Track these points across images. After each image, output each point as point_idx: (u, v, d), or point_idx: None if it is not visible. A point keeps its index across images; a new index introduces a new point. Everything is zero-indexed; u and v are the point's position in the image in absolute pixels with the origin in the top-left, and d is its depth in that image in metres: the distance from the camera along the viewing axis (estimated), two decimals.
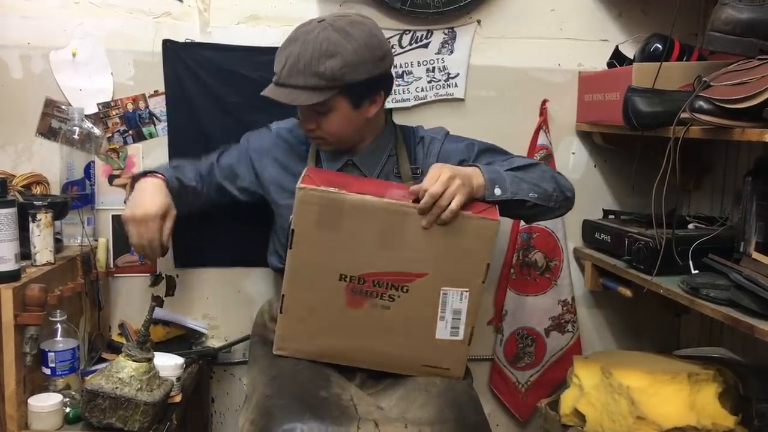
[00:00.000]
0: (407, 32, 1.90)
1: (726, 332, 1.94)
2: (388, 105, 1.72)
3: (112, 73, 1.85)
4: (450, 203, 1.33)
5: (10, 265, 1.41)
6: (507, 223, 1.97)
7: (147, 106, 1.87)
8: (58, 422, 1.44)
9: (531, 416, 2.05)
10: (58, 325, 1.51)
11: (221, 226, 1.87)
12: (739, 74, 1.37)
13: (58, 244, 1.66)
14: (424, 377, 1.44)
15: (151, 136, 1.88)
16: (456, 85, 1.94)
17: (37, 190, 1.78)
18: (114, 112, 1.86)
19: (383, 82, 1.53)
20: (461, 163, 1.55)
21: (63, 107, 1.83)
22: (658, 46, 1.70)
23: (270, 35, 1.87)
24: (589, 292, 2.07)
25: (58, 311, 1.52)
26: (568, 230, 2.00)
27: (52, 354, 1.48)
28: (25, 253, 1.50)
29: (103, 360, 1.69)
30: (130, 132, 1.87)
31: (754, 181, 1.55)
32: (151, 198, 1.51)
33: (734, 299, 1.38)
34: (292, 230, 1.37)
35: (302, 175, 1.41)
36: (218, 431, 2.02)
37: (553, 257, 2.00)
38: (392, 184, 1.51)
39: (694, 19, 1.98)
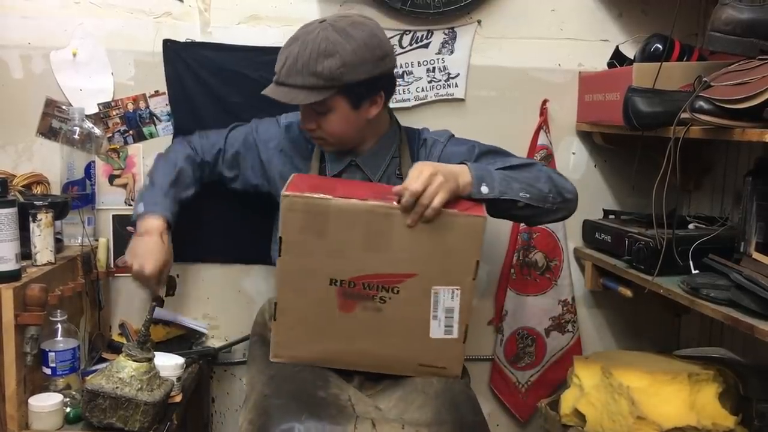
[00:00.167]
0: (407, 32, 1.90)
1: (726, 332, 1.94)
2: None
3: (112, 73, 1.85)
4: (432, 201, 1.32)
5: (10, 265, 1.41)
6: (507, 223, 1.97)
7: (147, 106, 1.87)
8: (58, 422, 1.44)
9: (531, 416, 2.05)
10: (59, 325, 1.51)
11: (221, 222, 1.87)
12: (739, 74, 1.37)
13: (59, 244, 1.66)
14: (422, 378, 1.43)
15: (151, 136, 1.88)
16: (456, 85, 1.94)
17: (38, 190, 1.78)
18: (114, 112, 1.86)
19: (384, 83, 1.53)
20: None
21: (63, 107, 1.83)
22: (659, 46, 1.70)
23: (270, 35, 1.87)
24: (589, 292, 2.07)
25: (59, 311, 1.52)
26: (568, 230, 2.00)
27: (53, 354, 1.48)
28: (25, 253, 1.50)
29: (104, 360, 1.69)
30: (131, 132, 1.88)
31: (754, 181, 1.55)
32: (151, 254, 1.54)
33: (734, 299, 1.38)
34: (280, 238, 1.37)
35: (288, 182, 1.41)
36: (218, 431, 2.02)
37: (554, 257, 2.00)
38: (380, 186, 1.51)
39: (695, 19, 1.98)
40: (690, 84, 1.51)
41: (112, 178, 1.88)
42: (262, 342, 1.62)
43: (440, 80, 1.94)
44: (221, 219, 1.87)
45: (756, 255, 1.45)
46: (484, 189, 1.42)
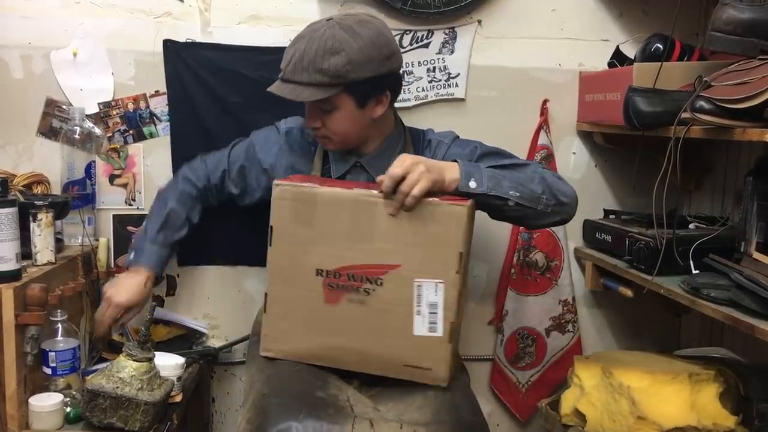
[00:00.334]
0: (408, 32, 1.90)
1: (726, 332, 1.94)
2: None
3: (112, 73, 1.85)
4: (412, 189, 1.32)
5: (10, 265, 1.42)
6: (507, 223, 1.97)
7: (148, 106, 1.87)
8: (58, 422, 1.44)
9: (531, 416, 2.05)
10: (59, 325, 1.51)
11: (222, 225, 1.87)
12: (739, 74, 1.37)
13: (59, 243, 1.66)
14: None
15: (151, 135, 1.88)
16: (456, 85, 1.94)
17: (38, 189, 1.79)
18: (115, 112, 1.86)
19: (390, 82, 1.53)
20: None
21: (64, 107, 1.83)
22: (659, 46, 1.70)
23: (271, 35, 1.87)
24: (589, 292, 2.07)
25: (59, 311, 1.52)
26: (568, 230, 2.00)
27: (53, 354, 1.48)
28: (25, 252, 1.50)
29: (104, 360, 1.69)
30: (131, 132, 1.88)
31: (754, 181, 1.55)
32: (127, 291, 1.59)
33: (735, 299, 1.37)
34: (271, 227, 1.39)
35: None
36: (219, 431, 2.02)
37: (554, 257, 2.00)
38: (375, 185, 1.51)
39: (695, 19, 1.98)
40: (690, 84, 1.51)
41: (112, 178, 1.88)
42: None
43: (440, 80, 1.94)
44: (222, 222, 1.87)
45: (756, 255, 1.45)
46: (473, 183, 1.41)
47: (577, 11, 1.97)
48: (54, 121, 1.84)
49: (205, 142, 1.86)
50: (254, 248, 1.82)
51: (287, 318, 1.43)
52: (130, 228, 1.89)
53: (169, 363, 1.55)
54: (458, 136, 1.66)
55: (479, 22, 1.93)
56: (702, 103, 1.37)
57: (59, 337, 1.51)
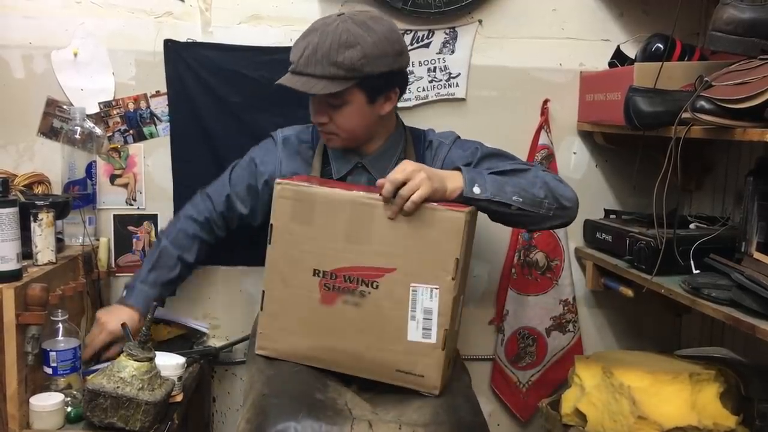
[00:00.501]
0: (408, 32, 1.90)
1: (727, 332, 1.94)
2: None
3: (113, 73, 1.85)
4: (412, 194, 1.32)
5: (11, 265, 1.42)
6: None
7: (148, 106, 1.87)
8: (59, 422, 1.44)
9: (532, 416, 2.05)
10: (60, 325, 1.51)
11: None
12: (740, 74, 1.37)
13: (60, 243, 1.66)
14: None
15: (152, 135, 1.88)
16: (457, 85, 1.94)
17: (39, 189, 1.79)
18: (115, 112, 1.86)
19: (399, 80, 1.54)
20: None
21: (64, 107, 1.83)
22: (660, 45, 1.70)
23: (271, 35, 1.87)
24: (590, 292, 2.07)
25: (60, 311, 1.52)
26: (569, 230, 1.99)
27: (54, 353, 1.48)
28: (26, 252, 1.50)
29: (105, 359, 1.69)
30: (131, 132, 1.88)
31: (755, 181, 1.54)
32: (119, 319, 1.58)
33: (736, 299, 1.37)
34: (271, 225, 1.40)
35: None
36: (219, 430, 2.02)
37: (554, 257, 2.00)
38: (376, 188, 1.51)
39: (696, 19, 1.98)
40: (691, 84, 1.51)
41: (113, 178, 1.88)
42: None
43: (441, 80, 1.94)
44: None
45: (757, 255, 1.45)
46: (476, 189, 1.42)
47: (577, 11, 1.97)
48: (55, 121, 1.84)
49: (206, 142, 1.87)
50: (255, 248, 1.82)
51: (283, 317, 1.43)
52: (130, 228, 1.90)
53: (170, 363, 1.55)
54: (459, 137, 1.66)
55: (480, 21, 1.93)
56: (703, 103, 1.37)
57: (60, 337, 1.51)
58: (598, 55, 1.96)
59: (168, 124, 1.87)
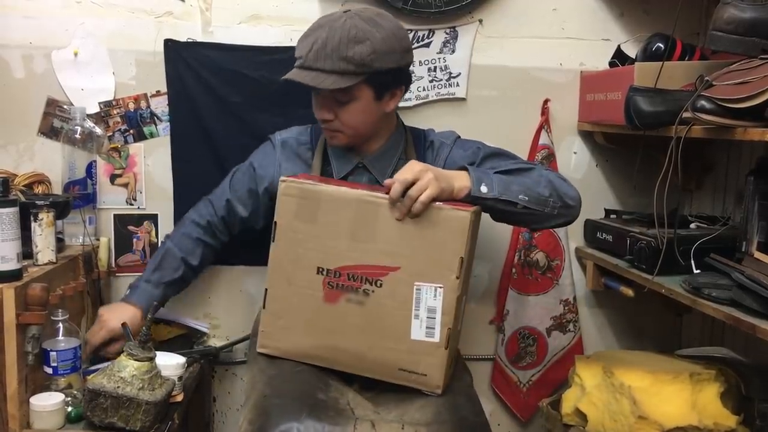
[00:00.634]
0: (409, 32, 1.90)
1: (728, 332, 1.94)
2: None
3: (113, 73, 1.85)
4: (420, 195, 1.33)
5: (11, 265, 1.42)
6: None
7: (149, 106, 1.87)
8: (59, 421, 1.44)
9: (532, 416, 2.05)
10: (60, 325, 1.51)
11: None
12: (741, 74, 1.37)
13: (60, 243, 1.66)
14: None
15: (152, 135, 1.88)
16: (457, 85, 1.94)
17: (39, 189, 1.79)
18: (115, 112, 1.86)
19: (405, 77, 1.55)
20: None
21: (65, 107, 1.83)
22: (660, 45, 1.70)
23: (271, 35, 1.87)
24: (590, 292, 2.07)
25: (60, 310, 1.52)
26: (569, 230, 1.99)
27: (54, 353, 1.48)
28: (26, 252, 1.50)
29: (105, 359, 1.69)
30: (131, 131, 1.88)
31: (756, 180, 1.54)
32: (121, 316, 1.58)
33: (736, 299, 1.37)
34: (275, 222, 1.39)
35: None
36: (220, 430, 2.02)
37: (555, 257, 1.99)
38: (378, 187, 1.51)
39: (696, 19, 1.98)
40: (692, 83, 1.51)
41: (113, 178, 1.88)
42: None
43: (441, 80, 1.94)
44: None
45: (758, 255, 1.45)
46: (484, 188, 1.42)
47: (578, 11, 1.97)
48: (55, 121, 1.84)
49: (206, 142, 1.87)
50: (255, 248, 1.83)
51: (286, 315, 1.43)
52: (131, 228, 1.90)
53: (170, 362, 1.55)
54: (459, 137, 1.66)
55: (480, 21, 1.93)
56: (703, 102, 1.37)
57: (60, 337, 1.51)
58: (598, 55, 1.96)
59: (168, 123, 1.87)
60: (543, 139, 1.96)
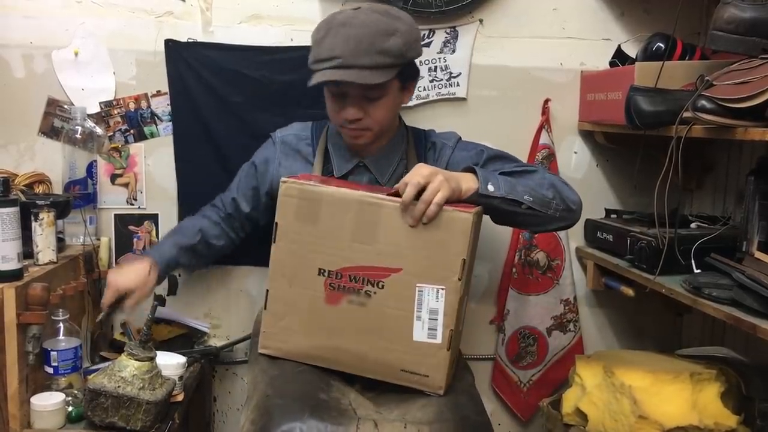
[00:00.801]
0: None
1: (728, 332, 1.94)
2: None
3: (114, 73, 1.85)
4: (434, 197, 1.32)
5: (12, 264, 1.42)
6: None
7: (149, 106, 1.87)
8: (60, 421, 1.45)
9: (533, 415, 2.05)
10: (61, 324, 1.52)
11: None
12: (741, 73, 1.37)
13: (61, 243, 1.66)
14: None
15: (152, 135, 1.88)
16: (458, 85, 1.94)
17: (40, 189, 1.79)
18: (116, 112, 1.86)
19: (417, 69, 1.58)
20: None
21: (65, 106, 1.83)
22: (661, 45, 1.70)
23: (272, 35, 1.87)
24: (591, 292, 2.07)
25: (61, 310, 1.52)
26: (570, 229, 1.99)
27: (55, 353, 1.49)
28: (27, 252, 1.51)
29: (106, 359, 1.70)
30: (132, 131, 1.88)
31: (756, 180, 1.54)
32: (128, 273, 1.56)
33: (737, 299, 1.37)
34: (276, 223, 1.39)
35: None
36: (220, 430, 2.02)
37: (555, 256, 1.99)
38: (379, 188, 1.51)
39: (697, 18, 1.98)
40: (692, 83, 1.51)
41: (113, 178, 1.88)
42: None
43: (442, 79, 1.94)
44: None
45: (758, 254, 1.45)
46: (491, 187, 1.42)
47: (578, 10, 1.97)
48: (55, 121, 1.84)
49: (207, 142, 1.87)
50: (255, 248, 1.83)
51: (287, 316, 1.42)
52: (131, 227, 1.90)
53: (171, 362, 1.55)
54: (461, 138, 1.66)
55: (481, 21, 1.93)
56: (704, 102, 1.37)
57: (61, 337, 1.51)
58: (599, 55, 1.95)
59: (169, 123, 1.87)
60: (543, 138, 1.96)
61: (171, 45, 1.84)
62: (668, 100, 1.52)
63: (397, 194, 1.35)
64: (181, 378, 1.57)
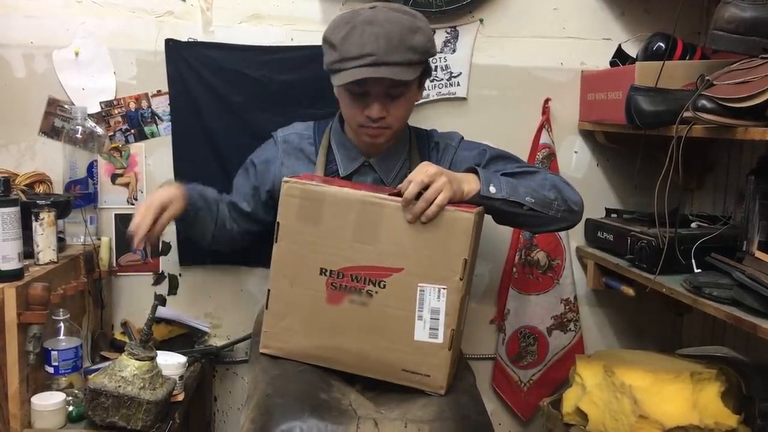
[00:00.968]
0: None
1: (729, 331, 1.94)
2: None
3: (114, 73, 1.85)
4: (436, 198, 1.32)
5: (13, 264, 1.42)
6: None
7: (149, 106, 1.87)
8: (61, 421, 1.45)
9: (533, 415, 2.05)
10: (61, 324, 1.52)
11: None
12: (742, 73, 1.37)
13: (61, 243, 1.66)
14: None
15: (153, 135, 1.88)
16: (458, 84, 1.94)
17: (40, 189, 1.79)
18: (116, 111, 1.86)
19: (431, 67, 1.58)
20: None
21: (66, 106, 1.83)
22: (661, 44, 1.70)
23: (272, 34, 1.87)
24: (591, 291, 2.07)
25: (61, 310, 1.52)
26: (570, 229, 1.99)
27: (55, 353, 1.49)
28: (28, 252, 1.51)
29: (106, 359, 1.70)
30: (132, 131, 1.88)
31: (756, 180, 1.54)
32: (160, 192, 1.51)
33: (737, 298, 1.37)
34: (278, 223, 1.39)
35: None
36: (221, 430, 2.02)
37: (556, 256, 2.00)
38: (382, 188, 1.51)
39: (697, 18, 1.98)
40: (692, 83, 1.51)
41: (114, 177, 1.88)
42: None
43: (442, 79, 1.94)
44: None
45: (759, 254, 1.45)
46: (492, 189, 1.42)
47: (578, 10, 1.97)
48: (56, 121, 1.84)
49: (207, 142, 1.87)
50: (257, 248, 1.83)
51: (288, 316, 1.43)
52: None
53: (171, 362, 1.56)
54: (463, 138, 1.66)
55: (481, 21, 1.93)
56: (704, 102, 1.37)
57: (61, 336, 1.51)
58: (599, 55, 1.95)
59: (169, 123, 1.87)
60: (544, 138, 1.96)
61: (171, 45, 1.84)
62: (669, 100, 1.52)
63: (399, 194, 1.35)
64: (181, 378, 1.57)
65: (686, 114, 1.42)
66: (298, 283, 1.40)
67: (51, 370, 1.49)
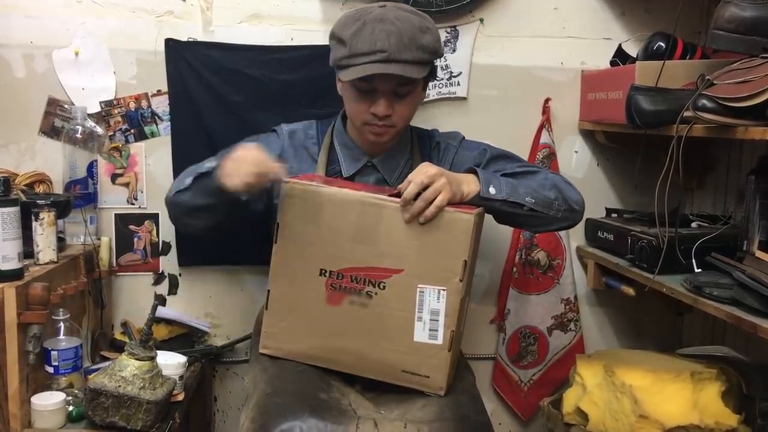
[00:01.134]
0: None
1: (729, 331, 1.94)
2: None
3: (114, 72, 1.85)
4: (434, 199, 1.32)
5: (13, 264, 1.42)
6: None
7: (149, 105, 1.87)
8: (61, 420, 1.45)
9: (533, 415, 2.05)
10: (61, 324, 1.52)
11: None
12: (742, 72, 1.37)
13: (61, 242, 1.66)
14: None
15: (153, 135, 1.88)
16: (458, 84, 1.94)
17: (40, 188, 1.79)
18: (116, 111, 1.86)
19: (437, 67, 1.59)
20: None
21: (66, 106, 1.83)
22: (661, 44, 1.70)
23: (272, 34, 1.87)
24: (591, 291, 2.07)
25: (61, 310, 1.52)
26: (570, 229, 1.99)
27: (55, 352, 1.49)
28: (28, 251, 1.51)
29: (106, 359, 1.70)
30: (132, 131, 1.88)
31: (757, 179, 1.54)
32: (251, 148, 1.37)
33: (737, 298, 1.37)
34: (277, 224, 1.39)
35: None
36: (221, 429, 2.02)
37: (556, 256, 1.99)
38: (382, 188, 1.51)
39: (698, 18, 1.98)
40: (693, 82, 1.51)
41: (114, 177, 1.88)
42: None
43: (442, 79, 1.93)
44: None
45: (759, 254, 1.45)
46: (492, 190, 1.42)
47: (579, 10, 1.96)
48: (56, 121, 1.84)
49: (207, 142, 1.86)
50: (256, 248, 1.83)
51: (288, 316, 1.43)
52: (131, 227, 1.90)
53: (171, 362, 1.56)
54: (464, 138, 1.66)
55: (481, 20, 1.93)
56: (704, 101, 1.37)
57: (61, 336, 1.51)
58: (599, 54, 1.95)
59: (169, 123, 1.87)
60: (544, 138, 1.96)
61: (171, 44, 1.84)
62: (669, 100, 1.52)
63: (399, 195, 1.35)
64: (181, 377, 1.57)
65: (686, 113, 1.42)
66: (298, 284, 1.40)
67: (51, 370, 1.49)
